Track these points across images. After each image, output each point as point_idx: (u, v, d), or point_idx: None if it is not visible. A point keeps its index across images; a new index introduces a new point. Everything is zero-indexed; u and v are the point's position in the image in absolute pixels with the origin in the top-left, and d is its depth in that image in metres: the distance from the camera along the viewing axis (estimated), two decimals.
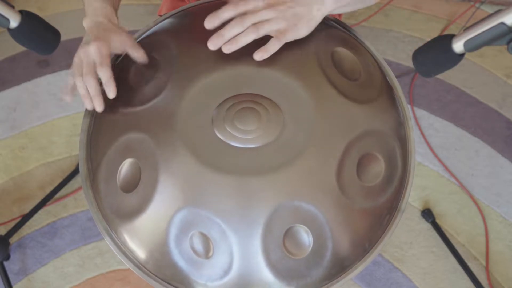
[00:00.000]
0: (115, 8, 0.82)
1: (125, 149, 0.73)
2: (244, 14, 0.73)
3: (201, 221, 0.68)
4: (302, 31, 0.75)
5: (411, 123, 0.80)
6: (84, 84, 0.73)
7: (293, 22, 0.74)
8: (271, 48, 0.73)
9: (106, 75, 0.73)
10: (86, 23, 0.77)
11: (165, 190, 0.69)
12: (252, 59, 0.73)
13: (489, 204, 1.54)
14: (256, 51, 0.73)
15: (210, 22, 0.73)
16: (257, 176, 0.68)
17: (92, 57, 0.73)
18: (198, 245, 0.69)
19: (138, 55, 0.76)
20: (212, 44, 0.72)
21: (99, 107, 0.75)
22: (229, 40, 0.72)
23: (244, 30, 0.73)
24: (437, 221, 1.50)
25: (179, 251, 0.70)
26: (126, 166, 0.73)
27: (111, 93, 0.74)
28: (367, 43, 0.85)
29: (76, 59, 0.74)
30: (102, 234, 0.75)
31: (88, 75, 0.72)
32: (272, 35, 0.73)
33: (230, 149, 0.70)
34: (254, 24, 0.73)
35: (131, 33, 0.86)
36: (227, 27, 0.72)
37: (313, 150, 0.69)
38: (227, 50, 0.72)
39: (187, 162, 0.69)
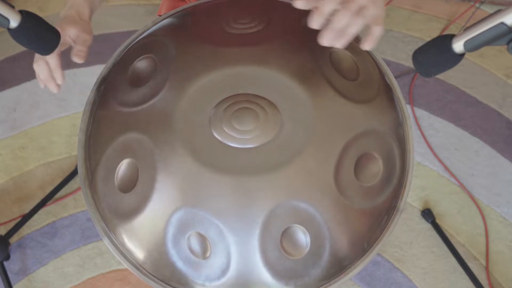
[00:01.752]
0: (92, 7, 0.88)
1: (123, 149, 0.73)
2: (343, 3, 0.67)
3: (198, 221, 0.68)
4: (383, 12, 0.71)
5: (410, 122, 0.80)
6: (37, 68, 0.83)
7: (379, 4, 0.69)
8: (378, 34, 0.69)
9: (52, 62, 0.83)
10: (61, 12, 0.86)
11: (163, 190, 0.69)
12: (250, 59, 0.74)
13: (489, 204, 1.54)
14: (364, 41, 0.70)
15: (316, 22, 0.67)
16: (255, 176, 0.68)
17: None
18: (196, 245, 0.69)
19: (76, 53, 0.83)
20: (326, 40, 0.68)
21: (53, 89, 0.85)
22: (339, 34, 0.68)
23: (350, 20, 0.67)
24: (437, 221, 1.50)
25: (177, 251, 0.70)
26: (124, 166, 0.73)
27: (58, 79, 0.84)
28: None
29: None
30: (100, 235, 0.75)
31: (38, 61, 0.83)
32: (368, 22, 0.69)
33: (228, 149, 0.70)
34: (357, 13, 0.67)
35: (131, 33, 0.86)
36: (336, 20, 0.67)
37: (311, 150, 0.69)
38: (340, 45, 0.68)
39: (185, 162, 0.69)
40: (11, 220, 1.53)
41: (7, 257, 1.43)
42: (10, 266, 1.46)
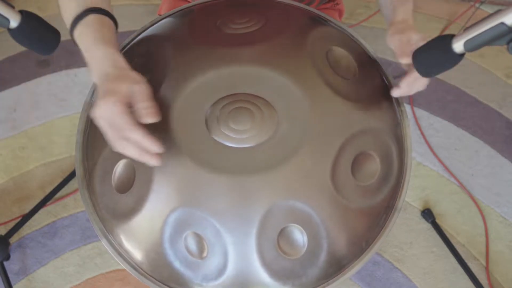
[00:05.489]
0: (116, 45, 0.71)
1: None
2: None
3: (195, 221, 0.68)
4: None
5: (407, 121, 0.80)
6: (122, 150, 0.65)
7: None
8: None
9: (137, 137, 0.63)
10: (95, 78, 0.68)
11: (160, 190, 0.69)
12: (247, 58, 0.74)
13: (489, 204, 1.54)
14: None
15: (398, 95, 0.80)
16: (251, 175, 0.68)
17: (113, 119, 0.64)
18: (193, 246, 0.69)
19: (144, 114, 0.65)
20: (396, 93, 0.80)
21: (154, 162, 0.65)
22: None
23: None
24: (437, 221, 1.50)
25: (174, 252, 0.70)
26: (121, 166, 0.73)
27: (153, 147, 0.64)
28: (363, 41, 0.85)
29: (101, 125, 0.65)
30: (98, 235, 0.75)
31: (117, 141, 0.64)
32: None
33: (224, 149, 0.69)
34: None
35: (131, 33, 0.86)
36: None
37: (308, 149, 0.69)
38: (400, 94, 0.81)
39: (181, 162, 0.69)
40: (11, 220, 1.52)
41: (7, 257, 1.43)
42: (10, 266, 1.46)
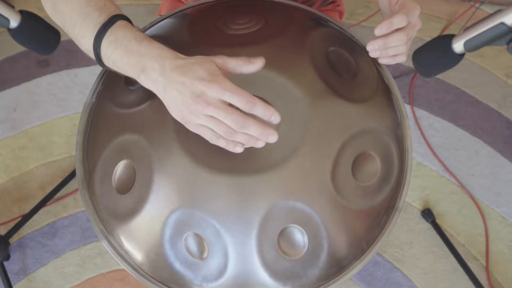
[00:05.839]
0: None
1: (120, 150, 0.73)
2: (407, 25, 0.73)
3: (195, 222, 0.68)
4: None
5: (408, 121, 0.80)
6: (241, 135, 0.61)
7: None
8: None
9: (261, 109, 0.59)
10: (159, 77, 0.60)
11: (160, 190, 0.69)
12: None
13: (489, 204, 1.54)
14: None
15: (382, 29, 0.71)
16: (252, 176, 0.68)
17: (222, 98, 0.59)
18: (193, 246, 0.69)
19: (256, 62, 0.62)
20: (373, 49, 0.72)
21: (274, 138, 0.61)
22: (389, 55, 0.74)
23: (400, 46, 0.73)
24: (437, 221, 1.50)
25: (174, 252, 0.70)
26: (121, 167, 0.73)
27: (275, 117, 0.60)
28: (363, 42, 0.85)
29: (215, 114, 0.59)
30: (98, 236, 0.75)
31: (240, 121, 0.59)
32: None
33: (224, 149, 0.69)
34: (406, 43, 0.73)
35: None
36: (392, 37, 0.71)
37: (308, 150, 0.69)
38: (386, 62, 0.75)
39: (182, 162, 0.69)
40: (11, 220, 1.52)
41: (7, 257, 1.43)
42: (10, 266, 1.46)
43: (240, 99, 0.59)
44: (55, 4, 0.69)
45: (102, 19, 0.65)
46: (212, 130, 0.61)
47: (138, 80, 0.63)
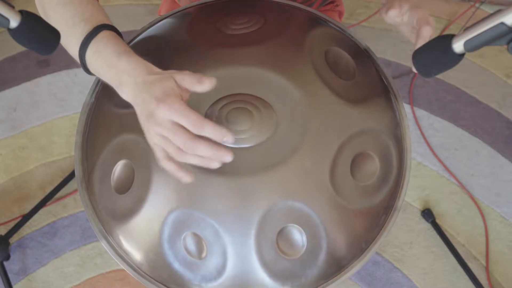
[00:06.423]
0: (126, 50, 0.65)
1: (119, 150, 0.73)
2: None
3: (194, 222, 0.68)
4: None
5: (407, 121, 0.80)
6: (197, 150, 0.59)
7: None
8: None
9: (210, 129, 0.58)
10: (130, 92, 0.61)
11: (158, 190, 0.69)
12: (246, 59, 0.73)
13: (489, 204, 1.54)
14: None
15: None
16: (250, 176, 0.68)
17: (181, 118, 0.58)
18: (192, 246, 0.69)
19: (205, 83, 0.60)
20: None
21: (228, 158, 0.59)
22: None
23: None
24: (437, 221, 1.50)
25: (173, 252, 0.70)
26: (120, 167, 0.73)
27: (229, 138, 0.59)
28: (361, 42, 0.85)
29: (164, 133, 0.59)
30: (97, 236, 0.75)
31: (190, 142, 0.58)
32: None
33: None
34: None
35: (131, 33, 0.86)
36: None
37: (307, 150, 0.69)
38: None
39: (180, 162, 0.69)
40: (11, 220, 1.53)
41: (7, 257, 1.43)
42: (10, 266, 1.46)
43: (187, 120, 0.58)
44: (46, 13, 0.72)
45: (87, 29, 0.67)
46: (164, 150, 0.61)
47: (117, 91, 0.65)
